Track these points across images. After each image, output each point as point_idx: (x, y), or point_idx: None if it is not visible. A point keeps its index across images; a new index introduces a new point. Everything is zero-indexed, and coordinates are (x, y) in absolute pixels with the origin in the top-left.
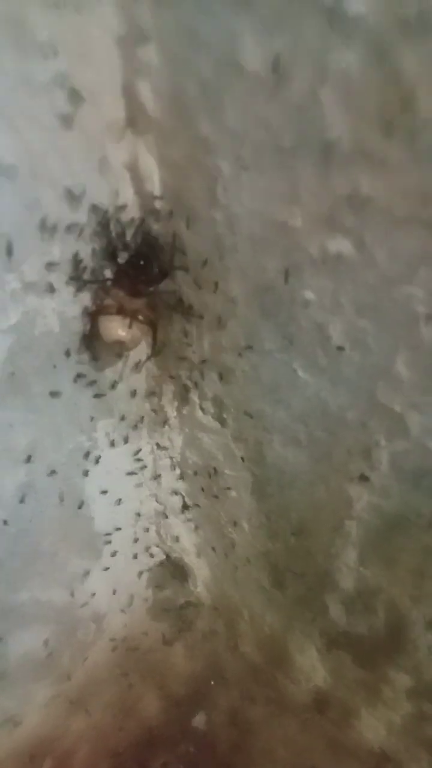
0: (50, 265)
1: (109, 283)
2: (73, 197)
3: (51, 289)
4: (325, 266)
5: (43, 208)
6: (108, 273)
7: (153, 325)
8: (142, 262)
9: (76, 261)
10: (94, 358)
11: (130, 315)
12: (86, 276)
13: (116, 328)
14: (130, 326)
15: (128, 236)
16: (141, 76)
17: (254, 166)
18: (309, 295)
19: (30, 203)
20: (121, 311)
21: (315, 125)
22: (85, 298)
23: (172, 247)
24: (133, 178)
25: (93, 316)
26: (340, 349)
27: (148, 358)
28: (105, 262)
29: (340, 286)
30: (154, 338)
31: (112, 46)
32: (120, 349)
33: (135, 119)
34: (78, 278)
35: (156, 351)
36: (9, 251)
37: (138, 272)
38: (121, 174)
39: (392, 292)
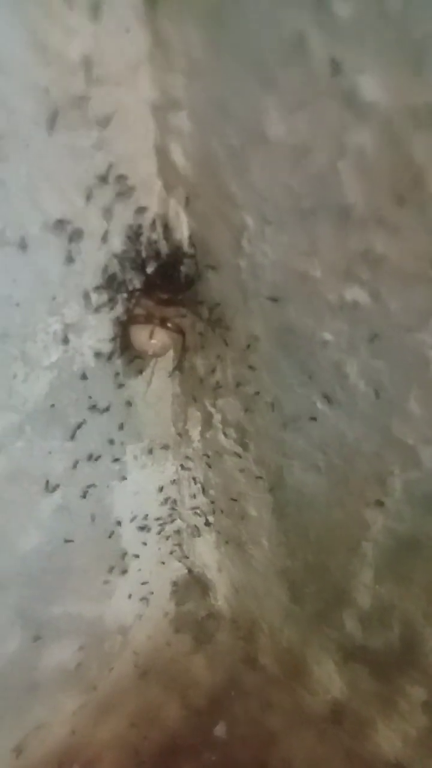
0: (88, 306)
1: (138, 293)
2: (111, 246)
3: (88, 327)
4: (342, 312)
5: (83, 257)
6: (137, 283)
7: (182, 333)
8: (169, 272)
9: (111, 281)
10: (126, 372)
11: (159, 322)
12: (117, 287)
13: (146, 335)
14: (159, 332)
15: (156, 250)
16: (173, 138)
17: (277, 222)
18: (327, 336)
19: (71, 255)
20: (150, 319)
21: (333, 191)
22: (118, 312)
23: (196, 256)
24: (163, 226)
25: (124, 325)
26: (356, 386)
27: (177, 366)
28: (135, 273)
29: (355, 330)
30: (183, 345)
31: (147, 112)
32: (150, 355)
33: (166, 176)
34: (111, 295)
35: (184, 359)
36: (53, 296)
37: (166, 281)
38: (152, 223)
39: (405, 338)
